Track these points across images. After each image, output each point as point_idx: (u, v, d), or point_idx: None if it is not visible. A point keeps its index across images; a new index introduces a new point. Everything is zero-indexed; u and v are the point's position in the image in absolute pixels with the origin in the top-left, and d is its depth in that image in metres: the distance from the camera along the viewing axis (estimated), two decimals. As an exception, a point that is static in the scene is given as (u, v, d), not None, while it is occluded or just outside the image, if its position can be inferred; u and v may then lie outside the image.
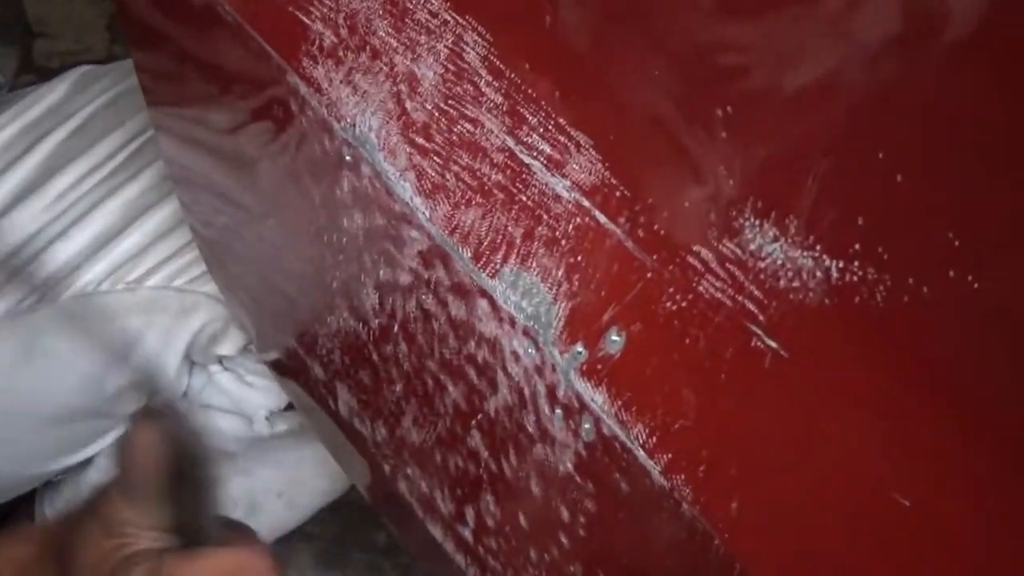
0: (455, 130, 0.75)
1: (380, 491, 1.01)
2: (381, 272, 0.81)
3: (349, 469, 1.11)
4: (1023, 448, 0.57)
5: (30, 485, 1.24)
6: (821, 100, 0.59)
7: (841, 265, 0.60)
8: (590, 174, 0.71)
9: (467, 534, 0.86)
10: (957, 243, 0.55)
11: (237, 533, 0.89)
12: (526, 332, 0.71)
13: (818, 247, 0.61)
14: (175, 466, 0.89)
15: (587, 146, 0.71)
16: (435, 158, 0.75)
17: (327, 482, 1.22)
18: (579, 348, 0.70)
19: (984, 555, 0.60)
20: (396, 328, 0.83)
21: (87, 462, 1.21)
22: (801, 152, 0.61)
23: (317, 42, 0.79)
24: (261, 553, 0.87)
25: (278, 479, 1.19)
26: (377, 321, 0.85)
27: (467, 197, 0.74)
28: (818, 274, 0.61)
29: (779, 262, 0.63)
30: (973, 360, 0.58)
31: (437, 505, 0.89)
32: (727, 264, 0.65)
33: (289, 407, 1.15)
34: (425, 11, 0.76)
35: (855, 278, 0.60)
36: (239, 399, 1.14)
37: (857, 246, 0.59)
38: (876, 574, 0.62)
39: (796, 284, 0.62)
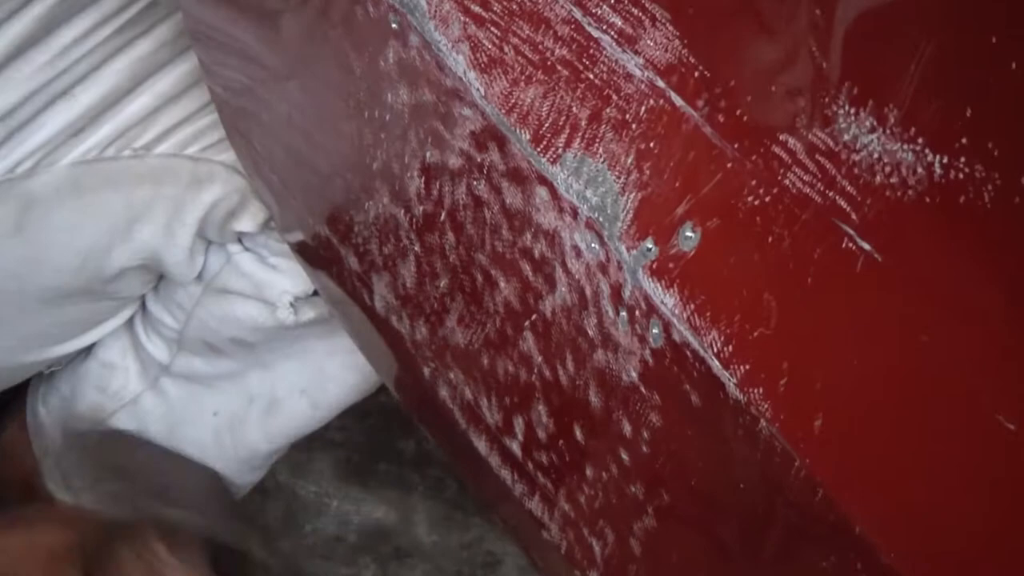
0: None
1: (416, 396, 1.01)
2: (428, 154, 0.82)
3: (381, 370, 1.11)
4: None
5: (21, 376, 1.26)
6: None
7: (945, 160, 0.60)
8: (666, 51, 0.71)
9: (515, 448, 0.87)
10: None
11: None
12: (589, 224, 0.72)
13: (920, 140, 0.60)
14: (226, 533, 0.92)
15: (663, 19, 0.70)
16: (492, 28, 0.75)
17: (356, 379, 1.22)
18: (649, 244, 0.70)
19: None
20: (443, 216, 0.83)
21: (86, 351, 1.23)
22: (905, 32, 0.61)
23: None
24: None
25: (302, 374, 1.20)
26: (422, 208, 0.85)
27: (527, 73, 0.74)
28: (919, 170, 0.61)
29: (876, 155, 0.62)
30: None
31: (483, 415, 0.90)
32: (817, 155, 0.65)
33: (316, 294, 1.15)
34: None
35: (961, 175, 0.59)
36: (260, 283, 1.14)
37: (964, 140, 0.59)
38: (972, 499, 0.62)
39: (894, 180, 0.62)
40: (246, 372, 1.18)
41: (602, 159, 0.72)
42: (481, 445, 0.91)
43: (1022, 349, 0.60)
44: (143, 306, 1.19)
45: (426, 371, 0.94)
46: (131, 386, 1.21)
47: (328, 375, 1.19)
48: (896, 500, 0.64)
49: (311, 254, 1.07)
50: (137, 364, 1.20)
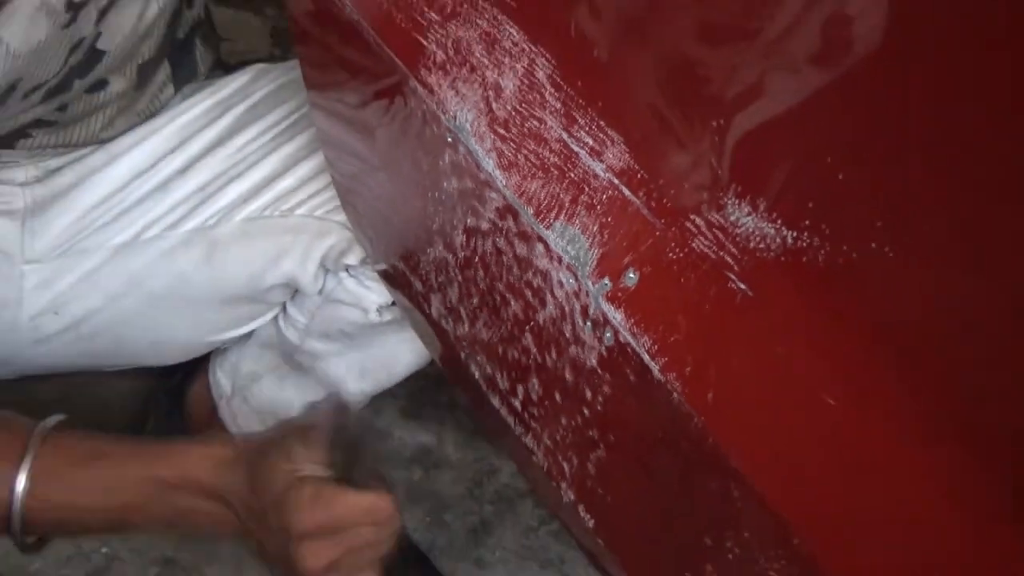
0: (526, 125, 0.74)
1: (454, 369, 1.01)
2: (468, 220, 0.81)
3: (432, 352, 1.11)
4: (918, 366, 0.57)
5: (207, 349, 1.24)
6: (783, 119, 0.59)
7: (795, 234, 0.60)
8: (620, 161, 0.71)
9: (516, 404, 0.87)
10: (879, 224, 0.55)
11: (378, 483, 0.89)
12: (568, 268, 0.71)
13: (779, 221, 0.61)
14: (343, 432, 0.91)
15: (619, 141, 0.71)
16: (511, 143, 0.75)
17: (415, 357, 1.22)
18: (606, 281, 0.70)
19: (868, 446, 0.60)
20: (476, 259, 0.83)
21: (247, 335, 1.23)
22: (770, 154, 0.60)
23: (432, 58, 0.79)
24: (388, 500, 0.87)
25: (382, 354, 1.19)
26: (462, 253, 0.85)
27: (532, 172, 0.74)
28: (777, 240, 0.61)
29: (750, 230, 0.62)
30: (889, 305, 0.58)
31: (497, 383, 0.89)
32: (713, 229, 0.65)
33: (394, 304, 1.16)
34: (508, 41, 0.76)
35: (804, 244, 0.59)
36: (359, 296, 1.13)
37: (807, 222, 0.59)
38: (807, 443, 0.62)
39: (762, 246, 0.62)
40: (347, 352, 1.18)
41: (578, 227, 0.71)
42: (495, 401, 0.91)
43: (838, 352, 0.60)
44: (284, 309, 1.19)
45: (462, 354, 0.94)
46: (275, 360, 1.21)
47: (398, 354, 1.19)
48: (759, 443, 0.63)
49: (391, 279, 1.06)
50: (279, 346, 1.20)
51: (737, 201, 0.63)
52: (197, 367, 1.33)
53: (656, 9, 0.65)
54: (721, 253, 0.65)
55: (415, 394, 1.63)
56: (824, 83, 0.56)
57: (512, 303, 0.80)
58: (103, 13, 0.98)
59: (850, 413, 0.60)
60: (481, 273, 0.83)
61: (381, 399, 1.57)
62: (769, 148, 0.61)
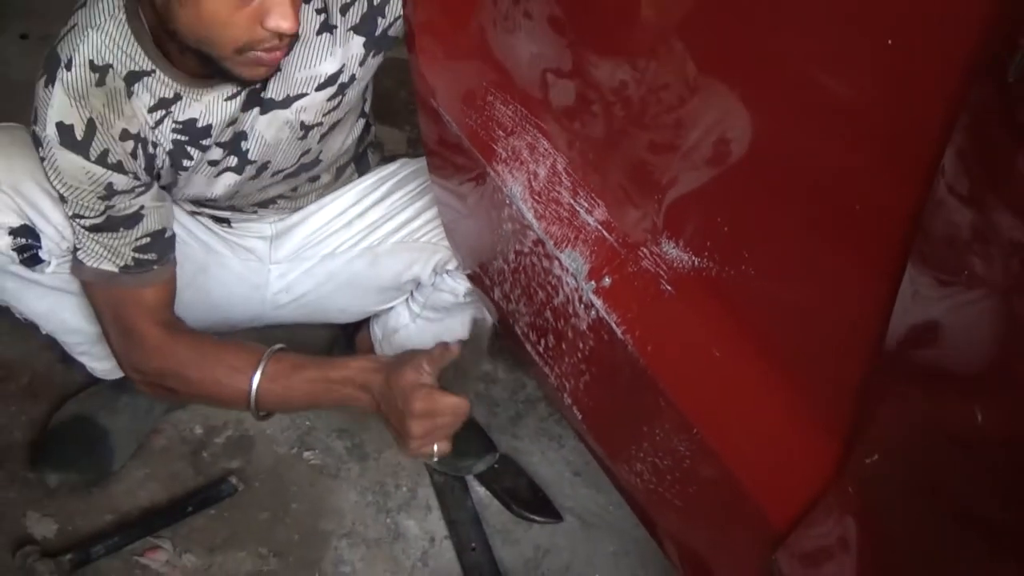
0: (550, 195, 0.73)
1: (506, 329, 0.96)
2: (516, 246, 0.80)
3: (494, 318, 1.05)
4: (766, 335, 0.57)
5: (369, 314, 1.19)
6: (692, 197, 0.59)
7: (698, 259, 0.60)
8: (602, 216, 0.70)
9: (541, 349, 0.84)
10: (745, 254, 0.55)
11: (462, 391, 0.89)
12: (572, 274, 0.71)
13: (689, 251, 0.60)
14: (448, 360, 0.89)
15: (602, 205, 0.70)
16: (541, 204, 0.74)
17: (488, 319, 1.15)
18: (593, 283, 0.69)
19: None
20: (520, 268, 0.81)
21: (390, 309, 1.18)
22: (685, 216, 0.61)
23: (499, 156, 0.78)
24: (465, 401, 0.88)
25: (466, 320, 1.13)
26: (512, 264, 0.83)
27: (553, 221, 0.73)
28: (689, 262, 0.61)
29: (674, 256, 0.62)
30: (750, 298, 0.57)
31: (529, 336, 0.87)
32: (653, 255, 0.64)
33: (471, 292, 1.13)
34: (541, 148, 0.75)
35: (703, 264, 0.59)
36: (454, 287, 1.07)
37: (705, 252, 0.59)
38: (696, 373, 0.61)
39: (680, 265, 0.62)
40: (446, 319, 1.12)
41: (578, 252, 0.71)
42: (528, 347, 0.87)
43: (722, 326, 0.59)
44: (411, 294, 1.13)
45: (510, 320, 0.90)
46: (405, 320, 1.15)
47: (476, 319, 1.11)
48: (677, 374, 0.62)
49: (472, 278, 1.02)
50: (408, 313, 1.14)
51: (667, 240, 0.63)
52: (362, 323, 1.29)
53: (621, 137, 0.65)
54: (657, 269, 0.65)
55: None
56: (711, 179, 0.57)
57: (539, 293, 0.80)
58: (324, 137, 0.97)
59: (727, 360, 0.59)
60: (522, 276, 0.83)
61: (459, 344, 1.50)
62: (685, 213, 0.61)
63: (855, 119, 0.44)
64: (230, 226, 1.07)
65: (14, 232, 0.85)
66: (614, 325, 0.66)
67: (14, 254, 0.86)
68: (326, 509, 1.14)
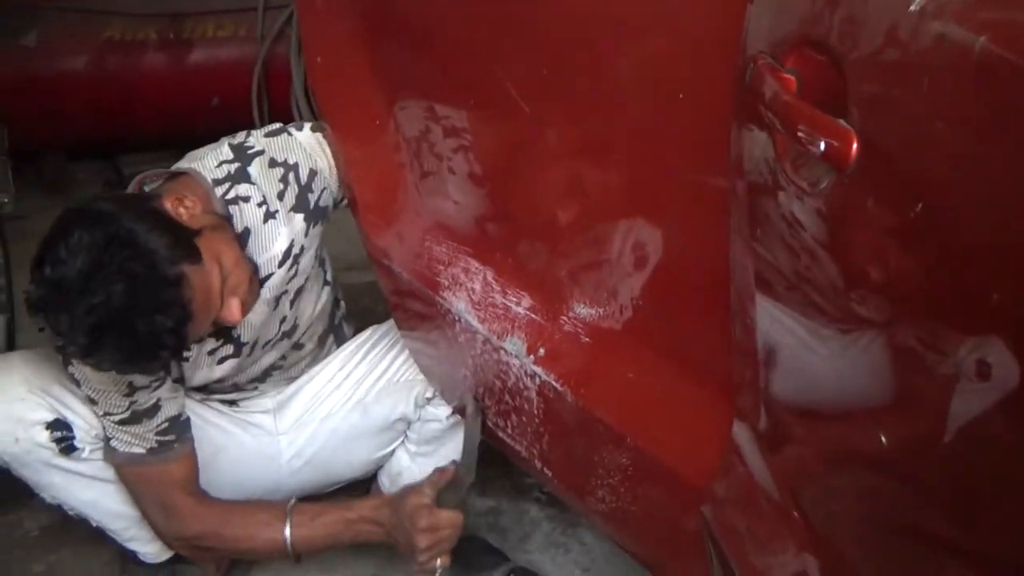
0: (487, 300, 0.85)
1: (487, 430, 0.96)
2: (470, 351, 0.87)
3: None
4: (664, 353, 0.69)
5: (375, 465, 1.18)
6: (588, 290, 0.72)
7: (599, 313, 0.72)
8: (529, 305, 0.82)
9: (510, 431, 0.86)
10: (628, 315, 0.68)
11: (458, 507, 0.98)
12: (515, 355, 0.81)
13: (595, 309, 0.72)
14: (445, 483, 0.98)
15: (527, 297, 0.82)
16: (482, 311, 0.85)
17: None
18: (532, 356, 0.80)
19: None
20: (478, 367, 0.86)
21: (390, 454, 1.17)
22: (588, 296, 0.73)
23: (442, 285, 0.89)
24: (461, 517, 0.97)
25: (458, 445, 1.05)
26: (472, 366, 0.90)
27: (493, 319, 0.83)
28: (596, 317, 0.72)
29: (586, 316, 0.74)
30: (641, 331, 0.69)
31: (499, 424, 0.89)
32: (572, 320, 0.76)
33: (453, 414, 1.08)
34: (472, 267, 0.87)
35: (605, 317, 0.71)
36: (437, 414, 1.07)
37: (603, 311, 0.71)
38: (618, 396, 0.70)
39: (591, 321, 0.73)
40: (440, 449, 1.10)
41: (516, 336, 0.82)
42: (501, 435, 0.90)
43: (628, 354, 0.70)
44: (405, 434, 1.13)
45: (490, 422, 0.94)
46: (406, 462, 1.14)
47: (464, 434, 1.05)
48: (607, 403, 0.71)
49: (455, 409, 1.01)
50: (407, 455, 1.13)
51: (580, 306, 0.76)
52: (371, 482, 1.25)
53: (530, 241, 0.79)
54: (576, 328, 0.77)
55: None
56: (604, 259, 0.70)
57: (496, 383, 0.88)
58: (293, 303, 1.07)
59: (640, 378, 0.71)
60: (482, 372, 0.91)
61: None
62: (587, 281, 0.74)
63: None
64: (237, 406, 1.16)
65: (50, 426, 0.96)
66: (554, 383, 0.77)
67: (53, 445, 0.96)
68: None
